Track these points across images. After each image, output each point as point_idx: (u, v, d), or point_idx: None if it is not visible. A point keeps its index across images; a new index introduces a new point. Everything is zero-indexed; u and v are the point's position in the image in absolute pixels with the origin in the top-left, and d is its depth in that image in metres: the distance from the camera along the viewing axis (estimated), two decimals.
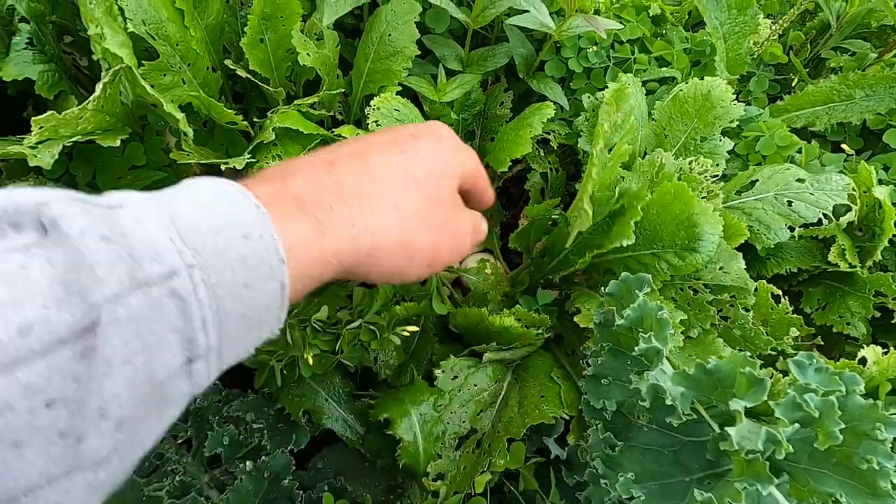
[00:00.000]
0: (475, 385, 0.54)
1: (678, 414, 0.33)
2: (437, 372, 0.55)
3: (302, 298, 0.36)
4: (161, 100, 0.49)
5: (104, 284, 0.23)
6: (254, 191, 0.31)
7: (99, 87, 0.47)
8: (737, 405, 0.31)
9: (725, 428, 0.31)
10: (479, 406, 0.54)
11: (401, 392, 0.52)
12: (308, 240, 0.32)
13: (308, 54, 0.63)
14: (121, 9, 0.54)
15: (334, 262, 0.33)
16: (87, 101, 0.48)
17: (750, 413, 0.35)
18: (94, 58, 0.52)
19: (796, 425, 0.31)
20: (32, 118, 0.45)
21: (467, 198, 0.46)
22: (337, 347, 0.48)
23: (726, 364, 0.33)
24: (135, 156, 0.63)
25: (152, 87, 0.52)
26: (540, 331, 0.57)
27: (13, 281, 0.22)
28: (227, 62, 0.64)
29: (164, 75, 0.59)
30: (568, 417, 0.50)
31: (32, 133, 0.46)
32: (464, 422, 0.52)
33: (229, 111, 0.60)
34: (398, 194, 0.37)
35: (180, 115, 0.51)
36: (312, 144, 0.61)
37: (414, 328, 0.51)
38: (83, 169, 0.61)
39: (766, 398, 0.30)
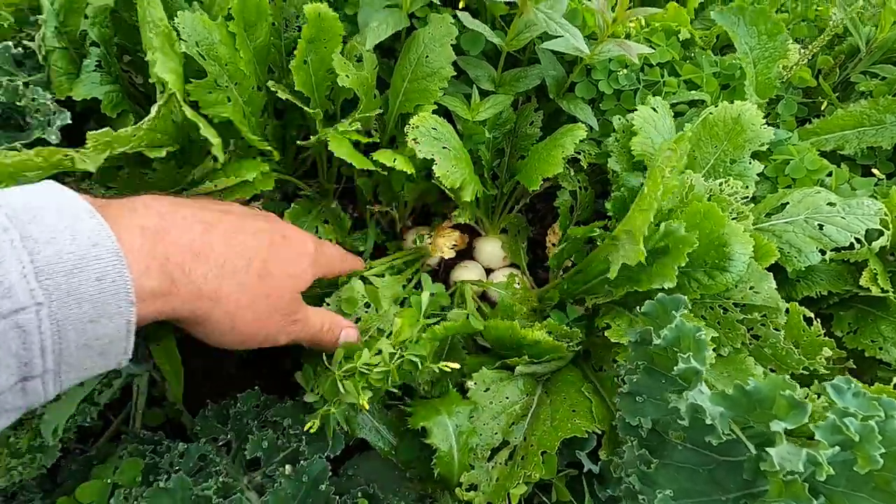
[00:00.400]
0: (507, 397, 0.56)
1: (718, 433, 0.34)
2: (469, 383, 0.57)
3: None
4: (200, 123, 0.52)
5: None
6: (123, 238, 0.36)
7: (154, 109, 0.51)
8: (777, 426, 0.32)
9: (766, 448, 0.32)
10: (510, 418, 0.55)
11: (436, 402, 0.54)
12: (156, 293, 0.39)
13: (347, 76, 0.66)
14: (176, 30, 0.57)
15: (170, 313, 0.41)
16: (142, 122, 0.51)
17: (787, 434, 0.35)
18: (151, 81, 0.55)
19: (836, 448, 0.32)
20: (88, 133, 0.48)
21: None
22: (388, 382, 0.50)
23: (765, 385, 0.34)
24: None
25: (197, 109, 0.55)
26: (571, 344, 0.58)
27: None
28: (270, 83, 0.67)
29: (210, 93, 0.63)
30: (600, 432, 0.51)
31: (88, 146, 0.49)
32: (496, 433, 0.53)
33: (262, 143, 0.63)
34: (248, 278, 0.45)
35: (216, 141, 0.54)
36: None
37: (455, 364, 0.53)
38: (134, 180, 0.64)
39: (807, 421, 0.31)
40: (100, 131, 0.48)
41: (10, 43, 0.54)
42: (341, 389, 0.48)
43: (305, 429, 0.51)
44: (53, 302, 0.32)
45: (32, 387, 0.33)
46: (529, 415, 0.55)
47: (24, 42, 0.55)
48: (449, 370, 0.53)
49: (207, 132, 0.54)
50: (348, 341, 0.57)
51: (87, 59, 0.54)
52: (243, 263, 0.45)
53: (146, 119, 0.51)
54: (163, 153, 0.53)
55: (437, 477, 0.51)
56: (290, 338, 0.52)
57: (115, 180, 0.58)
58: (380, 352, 0.49)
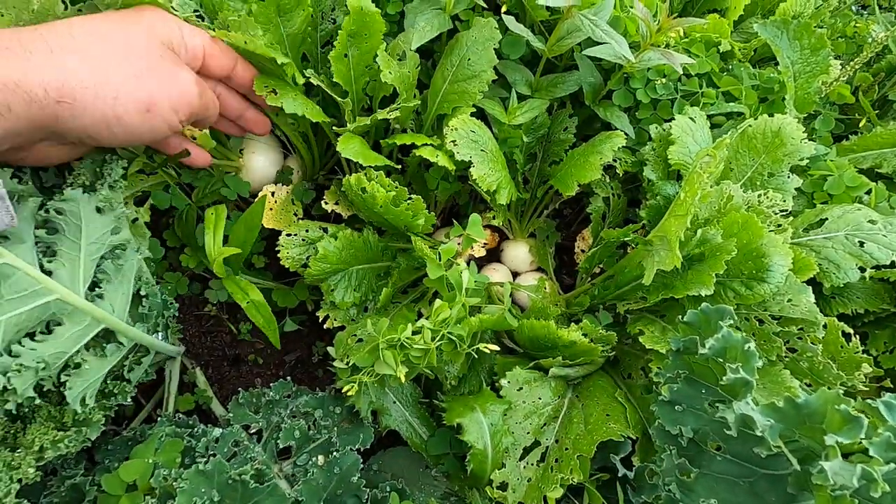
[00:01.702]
0: (539, 398, 0.56)
1: (767, 445, 0.34)
2: (503, 381, 0.57)
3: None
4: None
5: None
6: None
7: None
8: (831, 440, 0.32)
9: (820, 462, 0.32)
10: (542, 419, 0.55)
11: (471, 399, 0.54)
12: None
13: (390, 72, 0.66)
14: None
15: (25, 94, 0.38)
16: None
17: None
18: None
19: (892, 465, 0.31)
20: None
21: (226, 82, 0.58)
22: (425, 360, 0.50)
23: (816, 399, 0.34)
24: None
25: None
26: (605, 348, 0.58)
27: None
28: (309, 73, 0.68)
29: None
30: (634, 438, 0.51)
31: None
32: (527, 433, 0.54)
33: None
34: (94, 46, 0.42)
35: None
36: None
37: (495, 347, 0.53)
38: None
39: (863, 436, 0.31)
40: None
41: None
42: (381, 357, 0.48)
43: (344, 391, 0.52)
44: None
45: None
46: (560, 417, 0.56)
47: None
48: (488, 351, 0.53)
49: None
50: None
51: None
52: (87, 40, 0.43)
53: None
54: None
55: (469, 474, 0.51)
56: (179, 90, 0.47)
57: None
58: (420, 330, 0.49)
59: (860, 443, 0.34)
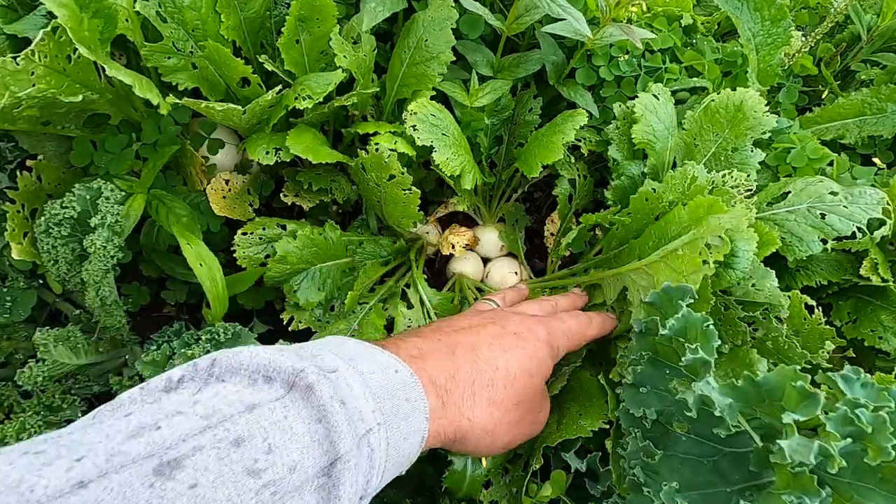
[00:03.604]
0: None
1: (726, 425, 0.34)
2: None
3: None
4: (124, 75, 0.48)
5: (344, 438, 0.32)
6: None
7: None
8: (788, 418, 0.31)
9: (776, 440, 0.31)
10: None
11: None
12: (435, 412, 0.42)
13: (344, 56, 0.64)
14: None
15: (441, 435, 0.43)
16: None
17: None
18: None
19: (848, 440, 0.31)
20: None
21: None
22: None
23: (775, 377, 0.34)
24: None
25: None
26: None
27: (283, 428, 0.30)
28: (263, 58, 0.65)
29: (169, 58, 0.60)
30: (597, 430, 0.51)
31: None
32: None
33: (245, 67, 0.60)
34: (495, 392, 0.46)
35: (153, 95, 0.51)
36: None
37: None
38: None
39: (819, 412, 0.31)
40: None
41: None
42: None
43: None
44: (387, 421, 0.36)
45: None
46: None
47: None
48: None
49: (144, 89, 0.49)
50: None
51: None
52: (488, 378, 0.46)
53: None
54: (78, 98, 0.50)
55: (446, 491, 0.50)
56: (540, 428, 0.53)
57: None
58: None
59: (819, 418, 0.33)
